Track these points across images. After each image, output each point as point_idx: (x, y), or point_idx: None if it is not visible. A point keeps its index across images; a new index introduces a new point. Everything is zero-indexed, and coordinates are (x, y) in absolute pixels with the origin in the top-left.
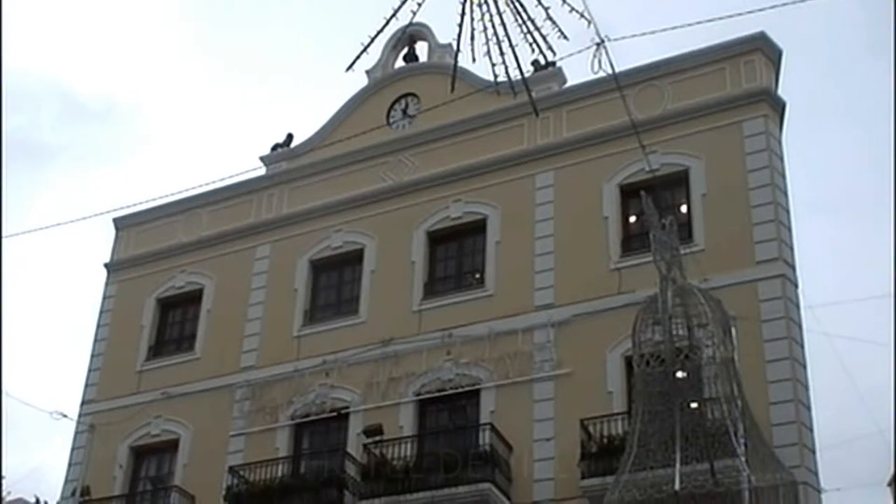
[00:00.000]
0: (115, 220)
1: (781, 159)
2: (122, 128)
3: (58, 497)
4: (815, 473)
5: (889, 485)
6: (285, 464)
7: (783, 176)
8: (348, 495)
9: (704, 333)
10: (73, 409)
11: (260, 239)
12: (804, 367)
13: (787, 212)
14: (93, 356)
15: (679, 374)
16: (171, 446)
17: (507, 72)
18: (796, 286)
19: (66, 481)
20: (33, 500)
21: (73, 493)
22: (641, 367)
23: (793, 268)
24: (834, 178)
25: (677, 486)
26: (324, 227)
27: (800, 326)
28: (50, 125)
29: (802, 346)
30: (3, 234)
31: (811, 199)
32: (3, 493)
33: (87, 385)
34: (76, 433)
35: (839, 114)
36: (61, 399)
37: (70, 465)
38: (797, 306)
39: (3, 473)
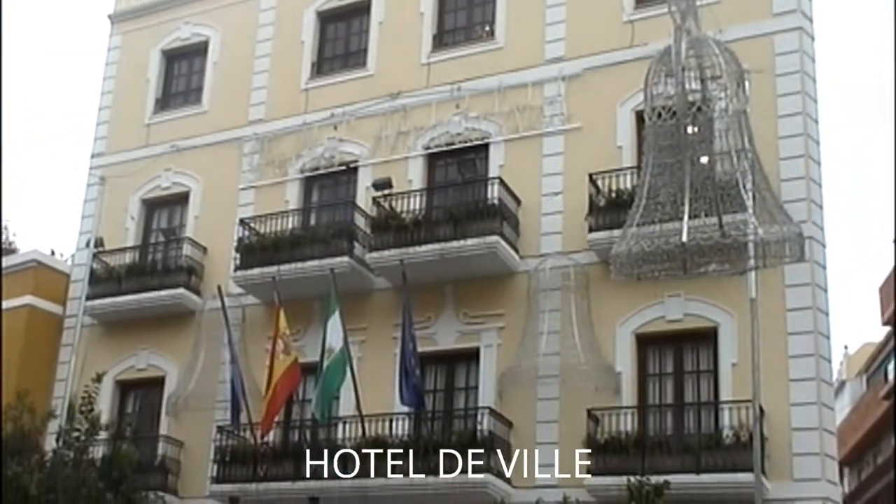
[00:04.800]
0: None
1: None
2: None
3: (73, 249)
4: (822, 228)
5: (894, 242)
6: (295, 216)
7: None
8: (358, 247)
9: (717, 86)
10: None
11: None
12: (816, 122)
13: None
14: (100, 109)
15: (690, 129)
16: (182, 199)
17: None
18: (813, 39)
19: (80, 233)
20: (49, 252)
21: (88, 245)
22: (653, 120)
23: (810, 20)
24: None
25: (685, 238)
26: None
27: (814, 81)
28: None
29: (816, 101)
30: None
31: None
32: (17, 247)
33: (96, 138)
34: (88, 186)
35: None
36: (74, 155)
37: (83, 217)
38: (813, 60)
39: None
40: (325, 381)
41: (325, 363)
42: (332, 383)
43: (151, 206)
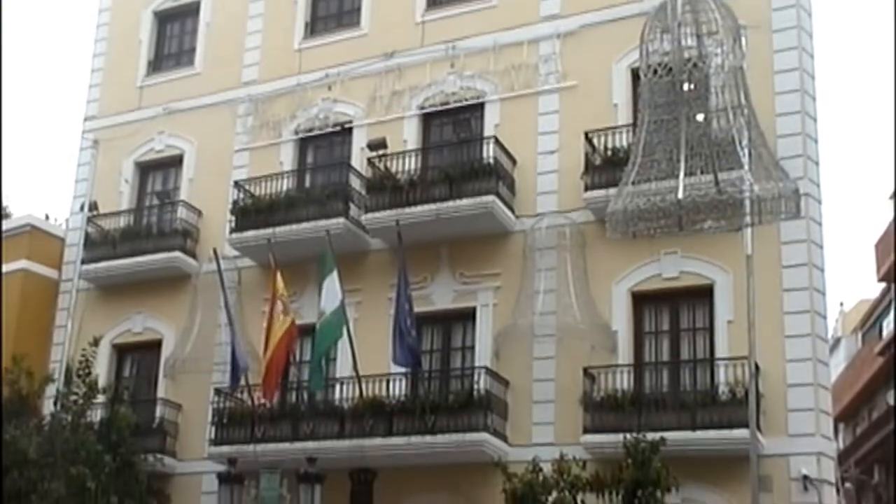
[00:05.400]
0: None
1: None
2: None
3: (67, 214)
4: (818, 185)
5: (890, 198)
6: (290, 178)
7: None
8: (353, 208)
9: (713, 41)
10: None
11: None
12: (813, 78)
13: None
14: (92, 72)
15: (686, 86)
16: (176, 161)
17: None
18: None
19: (74, 197)
20: (43, 216)
21: (82, 209)
22: (648, 77)
23: None
24: None
25: (680, 195)
26: None
27: (811, 36)
28: None
29: (812, 57)
30: None
31: None
32: (10, 212)
33: (88, 101)
34: (80, 149)
35: None
36: (66, 118)
37: (76, 181)
38: (809, 15)
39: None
40: (316, 344)
41: (317, 327)
42: (321, 346)
43: (145, 169)
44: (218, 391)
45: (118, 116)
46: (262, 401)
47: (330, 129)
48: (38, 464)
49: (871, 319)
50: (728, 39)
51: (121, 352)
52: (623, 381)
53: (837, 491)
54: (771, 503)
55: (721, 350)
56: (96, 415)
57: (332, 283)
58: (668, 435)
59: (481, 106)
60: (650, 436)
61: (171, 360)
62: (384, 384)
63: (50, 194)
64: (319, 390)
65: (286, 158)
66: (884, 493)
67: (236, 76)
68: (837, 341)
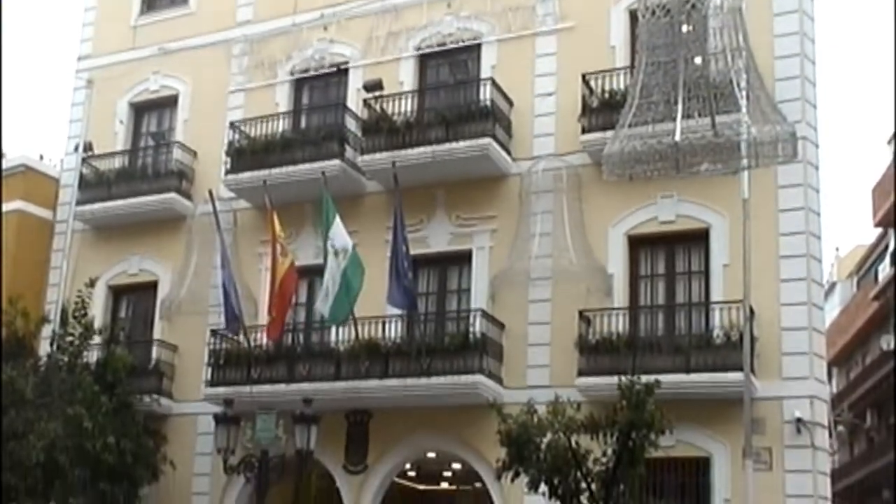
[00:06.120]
0: None
1: None
2: None
3: (61, 154)
4: (815, 129)
5: (889, 142)
6: (286, 119)
7: None
8: (349, 150)
9: None
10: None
11: None
12: (812, 20)
13: None
14: (86, 10)
15: (684, 28)
16: (171, 102)
17: None
18: None
19: (68, 137)
20: (37, 157)
21: (76, 149)
22: (646, 18)
23: None
24: None
25: (678, 137)
26: None
27: None
28: None
29: None
30: None
31: None
32: (3, 152)
33: (82, 41)
34: (74, 89)
35: None
36: (60, 57)
37: (70, 121)
38: None
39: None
40: (345, 282)
41: (342, 264)
42: (353, 285)
43: (140, 110)
44: (214, 332)
45: (112, 56)
46: (266, 339)
47: (326, 70)
48: (35, 404)
49: (867, 264)
50: None
51: (117, 293)
52: (618, 324)
53: (830, 434)
54: (764, 445)
55: (716, 294)
56: (93, 356)
57: (339, 227)
58: (663, 377)
59: (478, 47)
60: (645, 378)
61: (167, 301)
62: (380, 326)
63: (44, 134)
64: (337, 323)
65: (282, 99)
66: (876, 437)
67: (231, 16)
68: (832, 286)
